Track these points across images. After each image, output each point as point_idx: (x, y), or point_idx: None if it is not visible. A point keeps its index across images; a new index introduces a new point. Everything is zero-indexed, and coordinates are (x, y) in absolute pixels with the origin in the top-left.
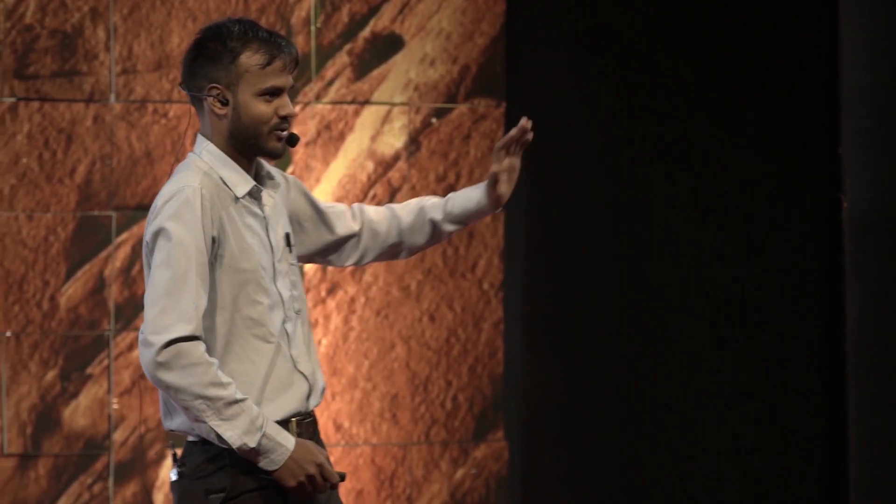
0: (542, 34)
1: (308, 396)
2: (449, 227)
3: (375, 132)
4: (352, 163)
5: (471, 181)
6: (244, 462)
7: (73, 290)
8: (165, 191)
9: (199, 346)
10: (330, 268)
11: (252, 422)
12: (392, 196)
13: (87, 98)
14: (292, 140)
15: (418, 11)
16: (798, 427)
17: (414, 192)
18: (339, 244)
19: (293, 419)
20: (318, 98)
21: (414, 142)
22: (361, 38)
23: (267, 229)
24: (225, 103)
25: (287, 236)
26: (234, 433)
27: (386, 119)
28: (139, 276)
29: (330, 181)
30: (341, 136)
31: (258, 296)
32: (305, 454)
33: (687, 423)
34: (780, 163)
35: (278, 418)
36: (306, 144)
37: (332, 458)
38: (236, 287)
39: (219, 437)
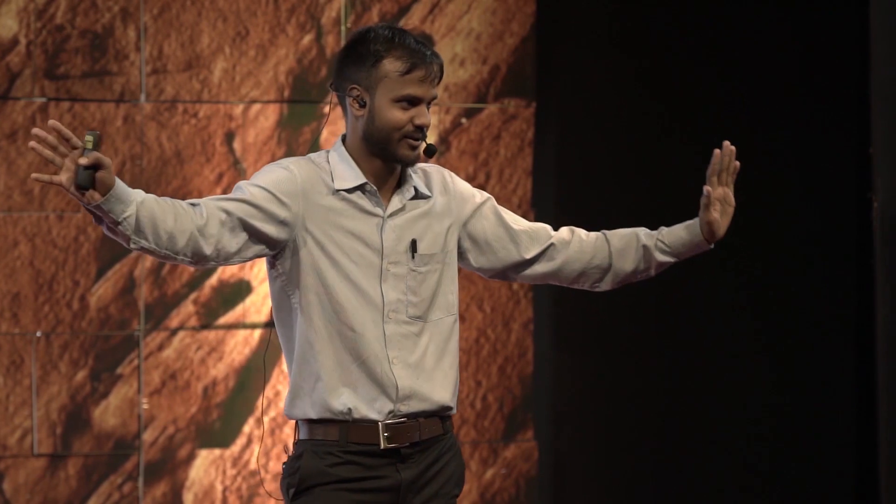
0: (571, 34)
1: (401, 400)
2: (660, 257)
3: None
4: None
5: (500, 181)
6: (320, 458)
7: (103, 290)
8: (268, 166)
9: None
10: None
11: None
12: None
13: (118, 98)
14: (430, 150)
15: (448, 11)
16: (829, 428)
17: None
18: (530, 263)
19: (379, 421)
20: None
21: (444, 142)
22: None
23: (382, 229)
24: (363, 105)
25: (413, 243)
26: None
27: None
28: (168, 276)
29: None
30: None
31: (343, 286)
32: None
33: (716, 422)
34: (810, 163)
35: (344, 409)
36: None
37: None
38: (320, 270)
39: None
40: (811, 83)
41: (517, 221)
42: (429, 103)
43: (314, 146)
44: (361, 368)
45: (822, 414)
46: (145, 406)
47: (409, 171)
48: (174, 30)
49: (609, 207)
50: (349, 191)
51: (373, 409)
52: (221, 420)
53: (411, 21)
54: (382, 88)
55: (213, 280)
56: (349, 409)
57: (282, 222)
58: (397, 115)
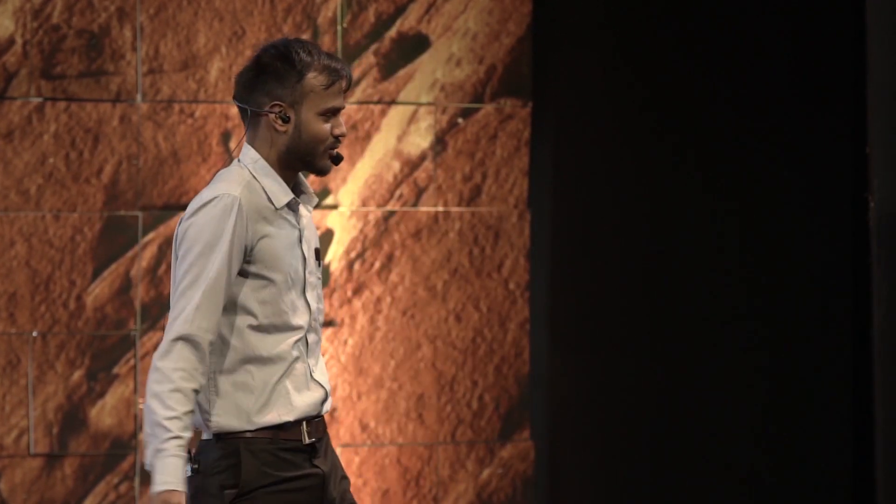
0: (568, 34)
1: (323, 402)
2: None
3: (402, 132)
4: (378, 163)
5: (497, 181)
6: (257, 459)
7: (99, 290)
8: (205, 194)
9: (182, 350)
10: (356, 268)
11: (157, 449)
12: (418, 196)
13: (114, 98)
14: (338, 158)
15: (445, 11)
16: (825, 428)
17: (440, 192)
18: None
19: (303, 421)
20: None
21: (440, 142)
22: (388, 38)
23: (301, 241)
24: (286, 121)
25: (317, 251)
26: (147, 445)
27: (412, 119)
28: (165, 275)
29: (356, 181)
30: (367, 136)
31: (284, 305)
32: (167, 499)
33: (713, 422)
34: (807, 163)
35: (292, 419)
36: None
37: (357, 458)
38: (264, 294)
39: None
40: (807, 83)
41: None
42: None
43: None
44: (293, 379)
45: (819, 413)
46: (142, 406)
47: (301, 178)
48: (170, 29)
49: (605, 207)
50: (281, 207)
51: (303, 411)
52: None
53: (408, 21)
54: (308, 103)
55: None
56: (283, 420)
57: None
58: (322, 127)
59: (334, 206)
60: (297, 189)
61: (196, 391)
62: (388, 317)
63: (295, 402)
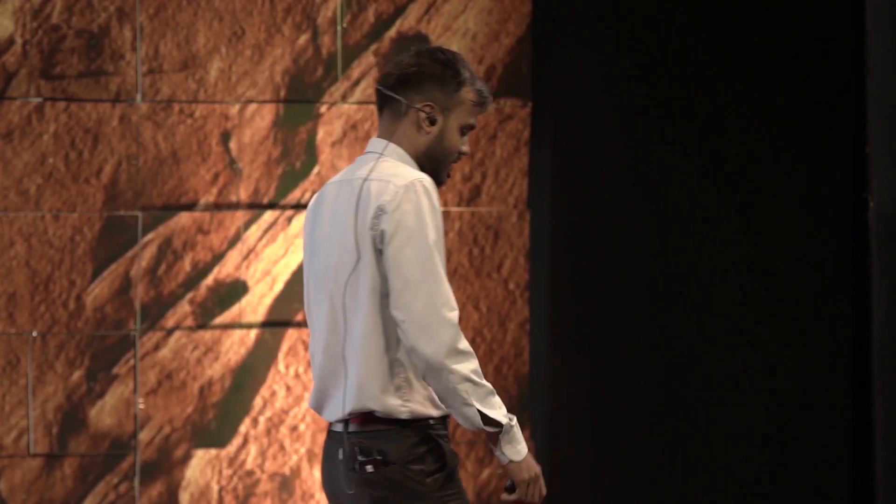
0: (568, 34)
1: None
2: None
3: None
4: None
5: (497, 181)
6: (445, 442)
7: (99, 290)
8: (403, 179)
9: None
10: None
11: (507, 413)
12: None
13: (114, 98)
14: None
15: (444, 11)
16: (825, 428)
17: (440, 192)
18: None
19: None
20: (344, 98)
21: None
22: (387, 39)
23: None
24: (433, 123)
25: None
26: (491, 413)
27: None
28: (165, 275)
29: None
30: (367, 137)
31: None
32: (532, 463)
33: (712, 422)
34: (806, 163)
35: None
36: (332, 144)
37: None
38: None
39: (484, 417)
40: (807, 83)
41: None
42: None
43: (310, 147)
44: None
45: (818, 413)
46: (141, 406)
47: None
48: (170, 30)
49: (605, 207)
50: None
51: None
52: (217, 420)
53: (407, 21)
54: (457, 113)
55: (209, 280)
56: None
57: None
58: (458, 141)
59: None
60: None
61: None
62: None
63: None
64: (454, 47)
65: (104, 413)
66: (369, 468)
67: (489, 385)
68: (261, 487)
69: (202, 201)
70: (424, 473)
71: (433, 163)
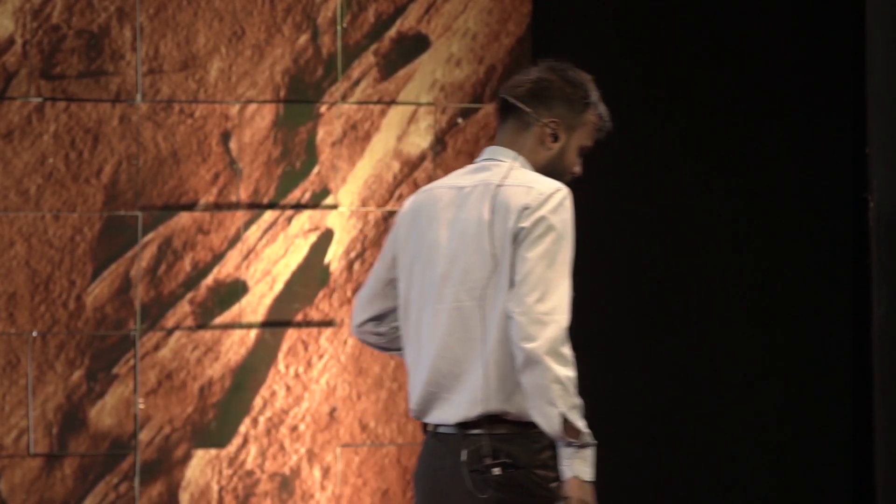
0: (568, 35)
1: None
2: None
3: (401, 132)
4: (378, 163)
5: None
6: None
7: (99, 290)
8: (548, 186)
9: (567, 342)
10: (356, 268)
11: (588, 431)
12: None
13: (114, 98)
14: None
15: (444, 11)
16: (825, 428)
17: None
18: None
19: None
20: (343, 98)
21: (440, 142)
22: (387, 38)
23: None
24: (556, 140)
25: None
26: (581, 426)
27: (412, 119)
28: (165, 275)
29: (356, 181)
30: (367, 137)
31: None
32: (593, 492)
33: (711, 423)
34: (806, 163)
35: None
36: (332, 144)
37: (357, 458)
38: None
39: (567, 423)
40: (807, 83)
41: None
42: None
43: (310, 147)
44: None
45: (819, 413)
46: (141, 406)
47: None
48: (170, 30)
49: (605, 208)
50: None
51: None
52: (217, 420)
53: (407, 21)
54: (579, 134)
55: (209, 280)
56: None
57: None
58: (575, 161)
59: (334, 207)
60: None
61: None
62: None
63: None
64: (454, 48)
65: (104, 413)
66: (496, 471)
67: (581, 401)
68: (261, 487)
69: (202, 201)
70: (548, 479)
71: (551, 177)
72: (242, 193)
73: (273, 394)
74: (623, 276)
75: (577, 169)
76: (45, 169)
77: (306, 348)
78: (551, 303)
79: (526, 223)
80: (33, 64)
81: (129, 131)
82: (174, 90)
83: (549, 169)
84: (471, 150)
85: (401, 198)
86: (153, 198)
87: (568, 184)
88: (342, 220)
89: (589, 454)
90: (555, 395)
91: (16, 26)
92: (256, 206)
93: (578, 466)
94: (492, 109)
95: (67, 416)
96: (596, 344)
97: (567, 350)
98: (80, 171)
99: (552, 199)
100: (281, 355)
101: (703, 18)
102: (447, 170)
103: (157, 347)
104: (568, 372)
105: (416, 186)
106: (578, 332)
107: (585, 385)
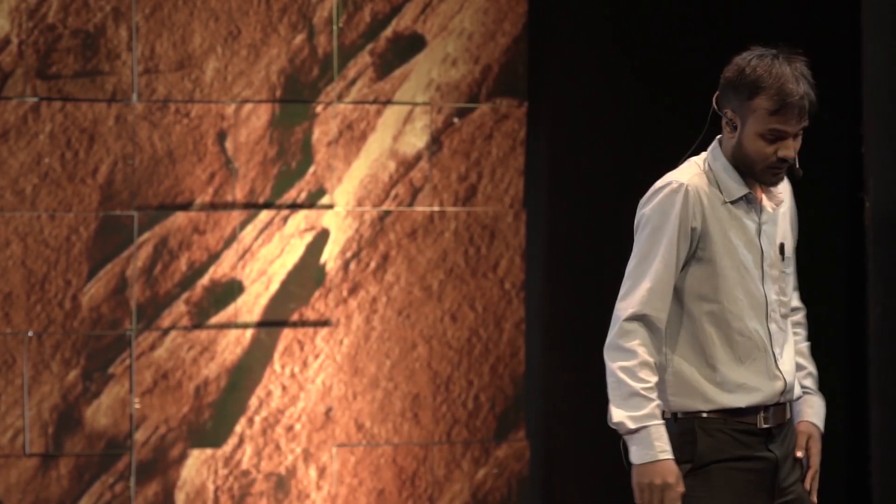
0: (564, 34)
1: (782, 392)
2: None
3: (397, 132)
4: (374, 162)
5: (492, 181)
6: (712, 437)
7: (94, 290)
8: (660, 181)
9: (639, 330)
10: (352, 267)
11: (644, 416)
12: (414, 195)
13: (110, 98)
14: (794, 174)
15: (440, 11)
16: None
17: (436, 192)
18: None
19: (761, 407)
20: (339, 98)
21: (436, 141)
22: (383, 38)
23: (760, 235)
24: (734, 129)
25: (782, 246)
26: (618, 413)
27: (408, 119)
28: (161, 275)
29: (352, 181)
30: (363, 136)
31: (737, 291)
32: (666, 470)
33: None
34: (802, 163)
35: (744, 405)
36: (328, 144)
37: (353, 458)
38: (716, 279)
39: (611, 415)
40: None
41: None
42: (797, 134)
43: (306, 147)
44: (752, 366)
45: None
46: (137, 406)
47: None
48: (166, 29)
49: (601, 207)
50: (733, 201)
51: (758, 398)
52: (213, 420)
53: (403, 21)
54: (751, 121)
55: (204, 280)
56: (737, 405)
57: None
58: (761, 147)
59: (330, 206)
60: (765, 188)
61: (657, 364)
62: (383, 316)
63: (750, 388)
64: (450, 47)
65: (100, 413)
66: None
67: (637, 385)
68: (256, 487)
69: (198, 201)
70: (676, 461)
71: (743, 166)
72: (238, 193)
73: (269, 394)
74: (619, 276)
75: (782, 153)
76: (41, 169)
77: (302, 348)
78: (625, 298)
79: (636, 219)
80: (29, 64)
81: (124, 131)
82: (170, 90)
83: (737, 157)
84: (467, 150)
85: (396, 197)
86: (149, 197)
87: (762, 177)
88: (338, 220)
89: (638, 438)
90: (610, 390)
91: (11, 26)
92: (252, 206)
93: (632, 453)
94: (488, 109)
95: (63, 416)
96: (591, 343)
97: (623, 340)
98: (76, 170)
99: (656, 192)
100: (277, 355)
101: (698, 18)
102: (443, 169)
103: (152, 347)
104: (621, 362)
105: (411, 186)
106: (577, 331)
107: (582, 383)
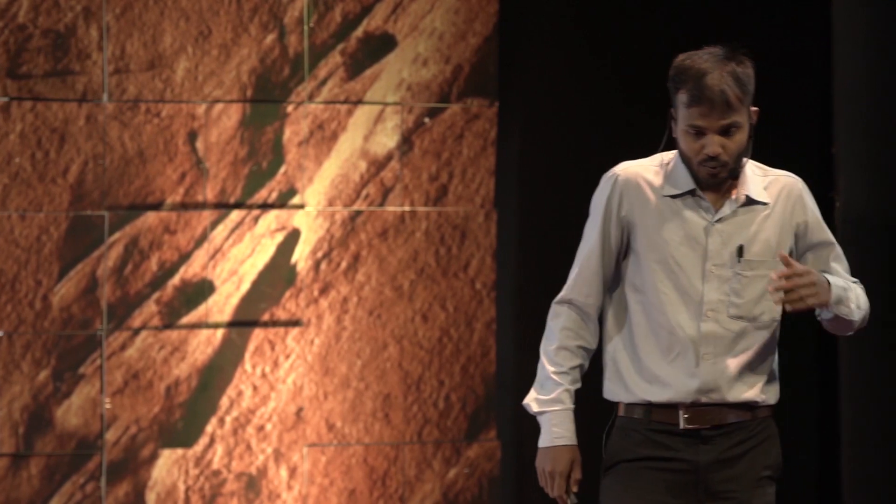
0: (534, 34)
1: (698, 391)
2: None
3: (368, 132)
4: (344, 162)
5: (463, 181)
6: (626, 436)
7: (65, 290)
8: None
9: (564, 313)
10: (323, 267)
11: (549, 400)
12: (385, 195)
13: (80, 98)
14: (712, 178)
15: (411, 11)
16: (791, 427)
17: (406, 192)
18: None
19: (678, 405)
20: (310, 98)
21: (407, 141)
22: (354, 38)
23: (708, 233)
24: (674, 124)
25: (741, 248)
26: (530, 394)
27: (379, 119)
28: (132, 275)
29: (322, 181)
30: (334, 136)
31: (662, 286)
32: (557, 457)
33: None
34: (772, 162)
35: (655, 400)
36: (299, 144)
37: (324, 458)
38: (642, 271)
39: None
40: (773, 83)
41: (839, 263)
42: (725, 131)
43: (277, 147)
44: (673, 362)
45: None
46: (108, 406)
47: (750, 179)
48: (136, 29)
49: (572, 207)
50: (677, 196)
51: (678, 395)
52: (184, 420)
53: (374, 21)
54: (680, 116)
55: (175, 280)
56: (654, 400)
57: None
58: (689, 142)
59: (301, 206)
60: (728, 188)
61: (583, 348)
62: (354, 316)
63: (665, 383)
64: (420, 47)
65: (70, 413)
66: None
67: (550, 369)
68: (227, 487)
69: (168, 201)
70: (604, 453)
71: (684, 161)
72: (209, 193)
73: (240, 393)
74: None
75: (706, 150)
76: (11, 168)
77: (273, 348)
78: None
79: None
80: None
81: (95, 131)
82: (140, 90)
83: (680, 156)
84: (437, 150)
85: (367, 197)
86: (119, 197)
87: (699, 174)
88: (309, 220)
89: (542, 421)
90: (538, 368)
91: None
92: (223, 206)
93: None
94: (459, 109)
95: (34, 416)
96: None
97: (551, 324)
98: (47, 170)
99: (600, 181)
100: (248, 355)
101: (670, 18)
102: (414, 169)
103: (123, 347)
104: (544, 346)
105: (382, 186)
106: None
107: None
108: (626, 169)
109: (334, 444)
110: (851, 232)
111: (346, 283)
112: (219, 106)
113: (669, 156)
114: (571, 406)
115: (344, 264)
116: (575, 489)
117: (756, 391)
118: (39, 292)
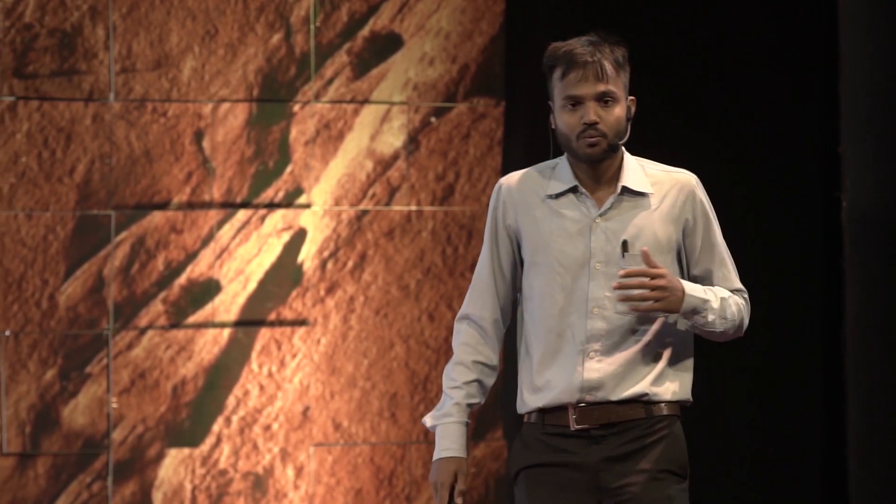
0: (541, 33)
1: (580, 389)
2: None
3: (374, 131)
4: (351, 162)
5: (470, 180)
6: (526, 446)
7: (72, 289)
8: None
9: (462, 329)
10: (329, 267)
11: (440, 415)
12: (391, 195)
13: (87, 97)
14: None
15: (417, 10)
16: (797, 427)
17: (413, 192)
18: None
19: (569, 406)
20: (317, 97)
21: (413, 141)
22: (360, 38)
23: (592, 229)
24: (554, 115)
25: (624, 243)
26: (427, 416)
27: (385, 118)
28: (138, 274)
29: (329, 180)
30: (340, 136)
31: (550, 288)
32: (441, 469)
33: (683, 421)
34: (779, 163)
35: (542, 404)
36: (305, 143)
37: (330, 458)
38: (532, 278)
39: None
40: (780, 83)
41: (721, 267)
42: (602, 99)
43: (283, 146)
44: (560, 364)
45: (791, 414)
46: (114, 405)
47: (630, 170)
48: (143, 28)
49: None
50: (559, 195)
51: (563, 395)
52: (190, 419)
53: (381, 20)
54: (556, 97)
55: (182, 279)
56: (543, 405)
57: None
58: (567, 118)
59: (307, 206)
60: (610, 181)
61: (481, 363)
62: (361, 316)
63: (551, 387)
64: (427, 46)
65: (77, 412)
66: None
67: (446, 385)
68: (234, 486)
69: (175, 200)
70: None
71: (566, 149)
72: (215, 192)
73: (246, 393)
74: None
75: (585, 118)
76: (18, 168)
77: (279, 347)
78: None
79: None
80: (6, 63)
81: (101, 130)
82: (147, 89)
83: (561, 143)
84: (444, 149)
85: (374, 197)
86: (126, 197)
87: (579, 150)
88: (315, 220)
89: (436, 436)
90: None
91: None
92: (229, 206)
93: None
94: (465, 109)
95: (40, 416)
96: None
97: (453, 338)
98: (53, 170)
99: None
100: (254, 354)
101: (677, 18)
102: (420, 168)
103: (129, 346)
104: (450, 361)
105: (389, 185)
106: None
107: None
108: (510, 178)
109: (341, 443)
110: (858, 232)
111: (353, 283)
112: (225, 105)
113: (556, 161)
114: (462, 420)
115: (350, 264)
116: (459, 500)
117: (644, 386)
118: (46, 292)
